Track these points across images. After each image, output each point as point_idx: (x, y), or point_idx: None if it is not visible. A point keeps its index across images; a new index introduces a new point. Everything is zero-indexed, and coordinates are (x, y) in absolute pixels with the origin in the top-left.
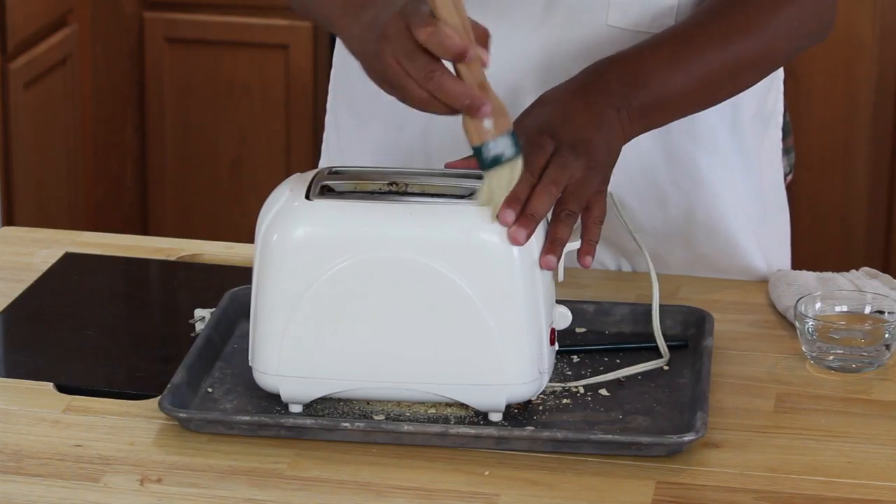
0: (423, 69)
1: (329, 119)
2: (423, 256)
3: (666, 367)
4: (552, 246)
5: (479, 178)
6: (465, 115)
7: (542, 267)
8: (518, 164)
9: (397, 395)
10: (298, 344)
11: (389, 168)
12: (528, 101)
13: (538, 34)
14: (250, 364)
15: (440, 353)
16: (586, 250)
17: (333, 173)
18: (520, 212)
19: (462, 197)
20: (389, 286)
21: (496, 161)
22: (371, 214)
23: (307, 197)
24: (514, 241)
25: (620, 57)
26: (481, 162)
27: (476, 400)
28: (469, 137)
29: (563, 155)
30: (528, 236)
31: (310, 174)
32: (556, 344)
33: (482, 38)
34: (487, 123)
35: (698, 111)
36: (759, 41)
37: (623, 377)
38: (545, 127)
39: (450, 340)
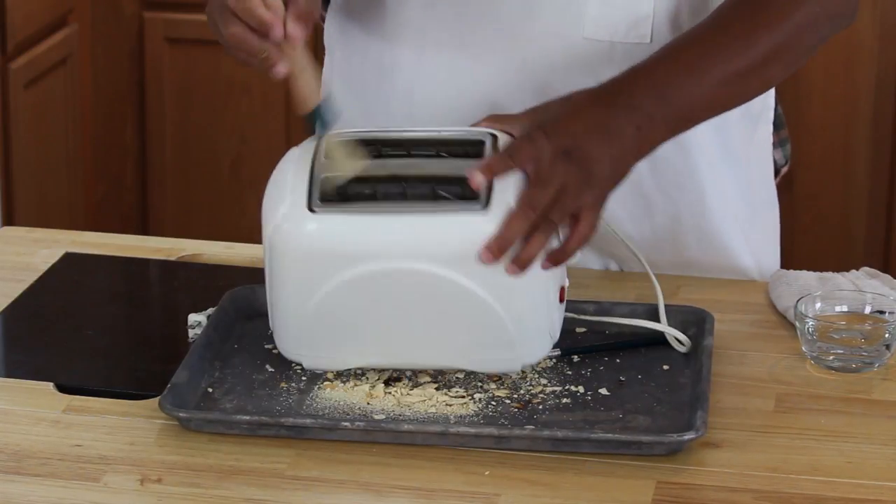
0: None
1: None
2: (429, 266)
3: (666, 367)
4: (521, 258)
5: (474, 152)
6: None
7: (507, 272)
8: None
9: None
10: (317, 337)
11: (390, 132)
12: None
13: (515, 48)
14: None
15: (454, 344)
16: (551, 259)
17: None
18: (488, 177)
19: (465, 198)
20: (399, 294)
21: (312, 128)
22: (375, 229)
23: (310, 203)
24: (486, 261)
25: (646, 68)
26: (305, 127)
27: (490, 369)
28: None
29: (552, 167)
30: (501, 256)
31: (310, 152)
32: (565, 301)
33: (299, 17)
34: (302, 94)
35: (727, 111)
36: (783, 35)
37: (622, 377)
38: (547, 124)
39: (464, 333)
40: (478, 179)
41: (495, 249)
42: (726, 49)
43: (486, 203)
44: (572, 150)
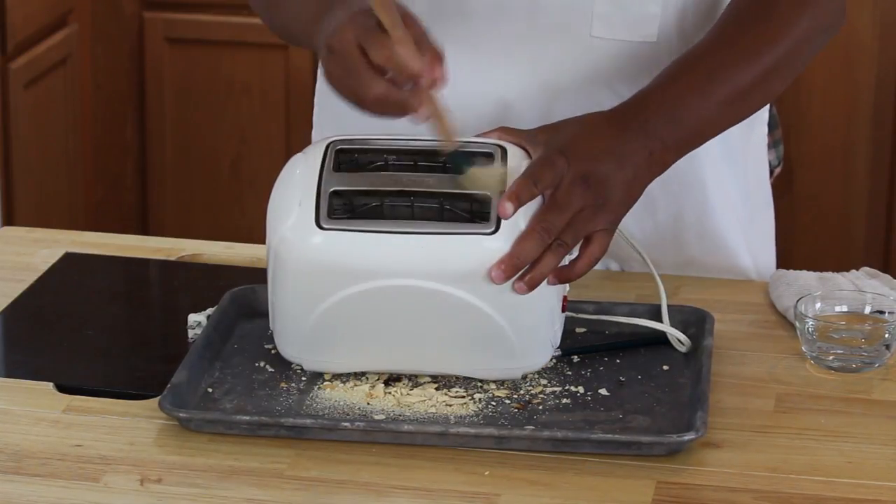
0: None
1: (315, 135)
2: (437, 284)
3: (666, 367)
4: (532, 277)
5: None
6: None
7: (514, 290)
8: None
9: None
10: (319, 346)
11: (396, 141)
12: (515, 115)
13: (523, 48)
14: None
15: (456, 355)
16: (560, 277)
17: (340, 152)
18: (517, 206)
19: (473, 215)
20: (403, 309)
21: (458, 169)
22: (382, 246)
23: (318, 218)
24: (497, 280)
25: (657, 91)
26: (460, 165)
27: (491, 377)
28: (445, 144)
29: (570, 191)
30: (513, 276)
31: (317, 161)
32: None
33: (436, 58)
34: (443, 135)
35: (731, 127)
36: (784, 50)
37: (622, 378)
38: (565, 146)
39: (467, 345)
40: (509, 211)
41: (507, 269)
42: (732, 67)
43: (496, 223)
44: (590, 175)
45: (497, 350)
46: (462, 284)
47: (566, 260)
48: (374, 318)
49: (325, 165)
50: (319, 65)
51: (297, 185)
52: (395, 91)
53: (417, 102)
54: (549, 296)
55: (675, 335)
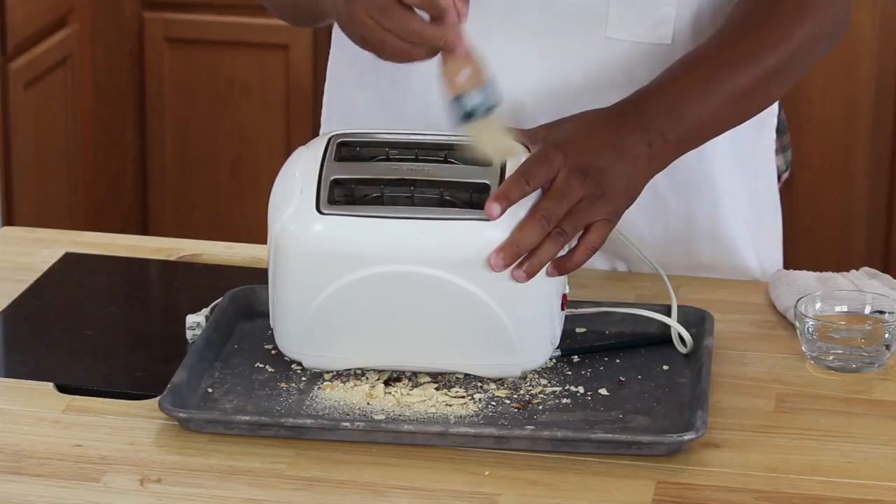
0: (399, 19)
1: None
2: (435, 270)
3: (666, 367)
4: (531, 264)
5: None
6: (444, 60)
7: (513, 278)
8: (497, 113)
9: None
10: (319, 337)
11: (398, 135)
12: (528, 115)
13: (537, 49)
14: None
15: (456, 347)
16: (558, 267)
17: (342, 145)
18: (506, 206)
19: (472, 204)
20: (403, 297)
21: (470, 115)
22: (382, 232)
23: (318, 204)
24: (496, 267)
25: (657, 88)
26: (455, 115)
27: (490, 374)
28: (447, 90)
29: (568, 182)
30: (512, 264)
31: (318, 153)
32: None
33: None
34: (463, 76)
35: (730, 129)
36: (785, 53)
37: (622, 377)
38: (562, 142)
39: (466, 337)
40: (496, 212)
41: (506, 257)
42: (734, 68)
43: None
44: (587, 167)
45: (496, 344)
46: (461, 271)
47: (565, 251)
48: (373, 308)
49: (327, 156)
50: (329, 66)
51: (299, 175)
52: (430, 26)
53: (454, 37)
54: (548, 288)
55: (680, 332)
